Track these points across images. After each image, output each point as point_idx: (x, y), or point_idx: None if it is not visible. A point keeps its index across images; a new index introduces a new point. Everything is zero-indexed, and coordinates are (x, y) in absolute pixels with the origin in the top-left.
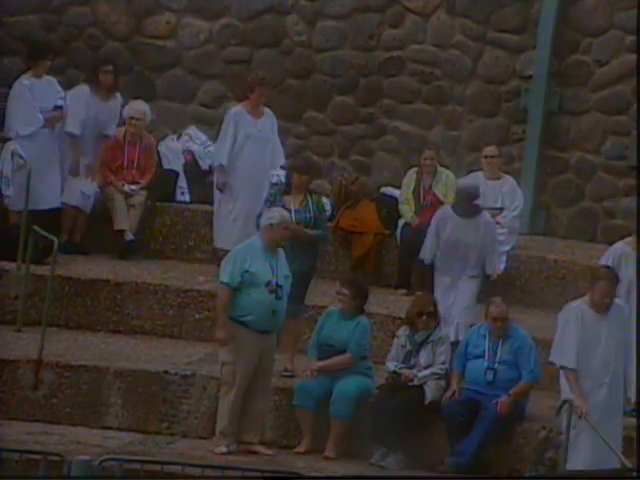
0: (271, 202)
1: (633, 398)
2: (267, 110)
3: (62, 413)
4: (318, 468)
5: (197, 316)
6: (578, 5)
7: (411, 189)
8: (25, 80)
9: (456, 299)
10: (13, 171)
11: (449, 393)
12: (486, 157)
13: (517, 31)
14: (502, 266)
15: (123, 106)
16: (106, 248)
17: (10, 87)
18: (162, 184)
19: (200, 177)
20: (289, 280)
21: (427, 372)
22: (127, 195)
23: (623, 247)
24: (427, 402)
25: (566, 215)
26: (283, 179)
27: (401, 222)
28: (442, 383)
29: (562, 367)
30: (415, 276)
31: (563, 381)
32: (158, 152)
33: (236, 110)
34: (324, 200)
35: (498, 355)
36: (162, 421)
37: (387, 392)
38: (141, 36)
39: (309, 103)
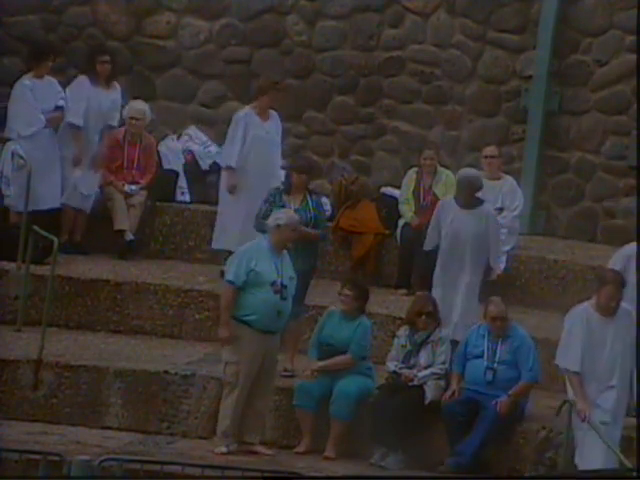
0: (270, 202)
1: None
2: (273, 112)
3: (62, 413)
4: (318, 468)
5: (197, 316)
6: (578, 5)
7: (411, 189)
8: (26, 81)
9: (457, 298)
10: (13, 171)
11: (449, 393)
12: (486, 157)
13: (517, 31)
14: (502, 266)
15: (123, 106)
16: (106, 248)
17: (10, 87)
18: (162, 184)
19: (200, 177)
20: (294, 282)
21: (427, 372)
22: (127, 195)
23: (631, 249)
24: (427, 402)
25: (566, 215)
26: (282, 179)
27: (401, 222)
28: (442, 383)
29: (566, 370)
30: (415, 276)
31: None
32: (158, 152)
33: (246, 112)
34: (324, 200)
35: (497, 355)
36: (162, 421)
37: (387, 392)
38: (141, 36)
39: (309, 103)
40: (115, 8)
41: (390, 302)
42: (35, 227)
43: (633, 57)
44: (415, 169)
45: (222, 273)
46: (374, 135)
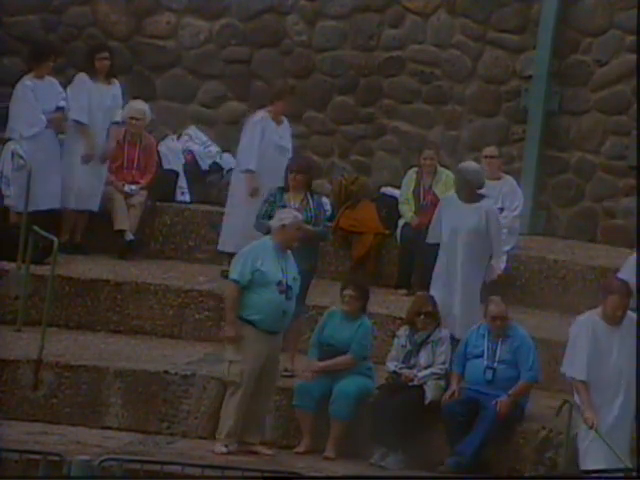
0: (270, 202)
1: None
2: (284, 117)
3: (62, 413)
4: (318, 468)
5: (197, 316)
6: (578, 5)
7: (411, 189)
8: (27, 81)
9: (455, 295)
10: (13, 171)
11: (449, 393)
12: (486, 157)
13: (517, 31)
14: (502, 266)
15: (123, 106)
16: (106, 248)
17: (10, 87)
18: (162, 184)
19: (200, 177)
20: (297, 282)
21: (427, 372)
22: (127, 195)
23: None
24: (427, 402)
25: (566, 215)
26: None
27: (401, 222)
28: (442, 383)
29: (573, 379)
30: (415, 276)
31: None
32: (158, 152)
33: (262, 115)
34: (324, 200)
35: (497, 354)
36: (162, 421)
37: (387, 392)
38: (141, 36)
39: (309, 103)
40: (115, 8)
41: (390, 302)
42: (35, 227)
43: (633, 57)
44: (415, 169)
45: (222, 273)
46: (374, 135)
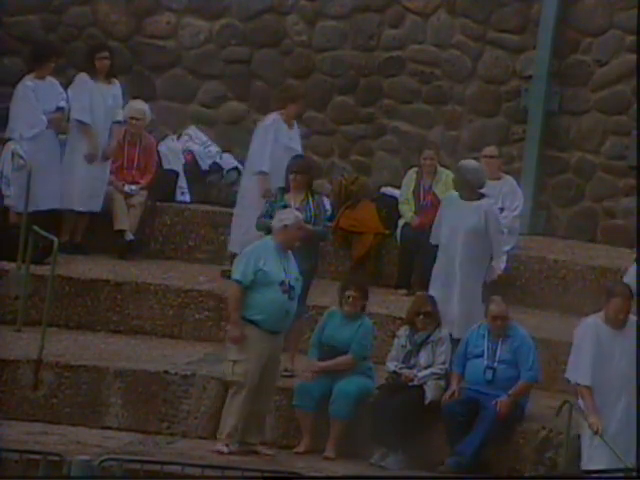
0: (271, 202)
1: None
2: (294, 121)
3: (62, 413)
4: (318, 468)
5: (197, 316)
6: (578, 5)
7: (411, 189)
8: (28, 81)
9: (453, 294)
10: (13, 171)
11: (449, 393)
12: (486, 157)
13: (517, 31)
14: (502, 266)
15: (123, 106)
16: (106, 248)
17: (10, 87)
18: (162, 184)
19: (200, 177)
20: (299, 282)
21: (427, 372)
22: (127, 195)
23: None
24: (427, 402)
25: (566, 215)
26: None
27: (401, 222)
28: (442, 383)
29: (577, 384)
30: (415, 276)
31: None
32: (158, 152)
33: (274, 118)
34: (324, 200)
35: (497, 354)
36: (162, 421)
37: (387, 392)
38: (141, 36)
39: (309, 103)
40: (115, 8)
41: (390, 302)
42: (35, 227)
43: (633, 57)
44: (415, 169)
45: (224, 273)
46: (374, 135)
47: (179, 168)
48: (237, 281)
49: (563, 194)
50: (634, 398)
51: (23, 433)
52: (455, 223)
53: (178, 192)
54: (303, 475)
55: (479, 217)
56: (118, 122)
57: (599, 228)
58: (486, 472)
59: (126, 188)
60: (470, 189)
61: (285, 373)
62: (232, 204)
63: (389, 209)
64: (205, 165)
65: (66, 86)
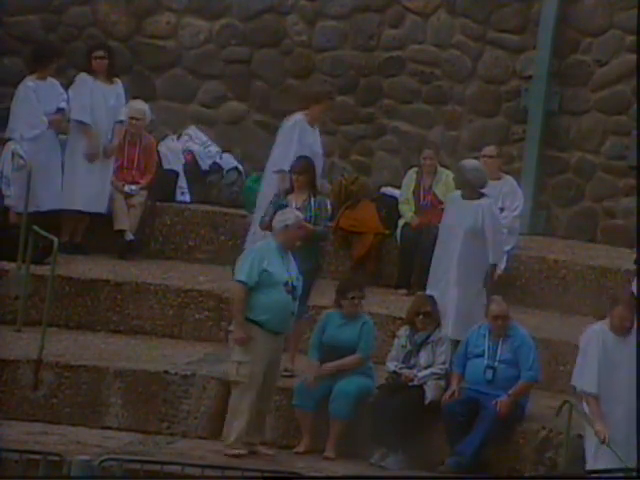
0: (274, 202)
1: None
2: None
3: (62, 413)
4: (318, 468)
5: (197, 316)
6: (578, 5)
7: (411, 189)
8: (30, 82)
9: (449, 294)
10: (13, 171)
11: (449, 393)
12: (485, 157)
13: (517, 31)
14: (502, 266)
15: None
16: (106, 248)
17: (10, 87)
18: (162, 184)
19: (200, 177)
20: (300, 282)
21: (427, 372)
22: (127, 195)
23: None
24: (427, 402)
25: (566, 215)
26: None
27: (401, 222)
28: (442, 383)
29: (583, 392)
30: (415, 276)
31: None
32: (158, 152)
33: (299, 117)
34: (327, 201)
35: (498, 354)
36: (162, 421)
37: (387, 392)
38: (141, 36)
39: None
40: (115, 8)
41: (390, 302)
42: (35, 227)
43: (633, 57)
44: (415, 169)
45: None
46: (374, 135)
47: (179, 168)
48: (242, 282)
49: (563, 194)
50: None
51: (23, 433)
52: (454, 222)
53: (178, 192)
54: (303, 475)
55: (478, 216)
56: (120, 122)
57: (599, 228)
58: (486, 472)
59: (126, 188)
60: (471, 188)
61: (285, 373)
62: (232, 204)
63: (389, 209)
64: (205, 165)
65: (67, 87)
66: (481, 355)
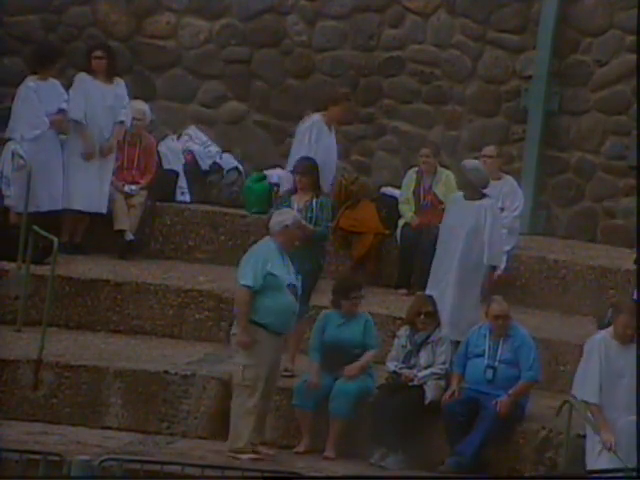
0: (278, 203)
1: None
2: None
3: (62, 413)
4: (318, 468)
5: (197, 316)
6: (578, 5)
7: (411, 189)
8: (31, 82)
9: (447, 294)
10: (13, 171)
11: (449, 393)
12: (484, 157)
13: (517, 31)
14: (502, 266)
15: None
16: (106, 248)
17: (10, 87)
18: (162, 184)
19: (200, 177)
20: (299, 281)
21: (427, 372)
22: (127, 195)
23: None
24: (427, 402)
25: (566, 215)
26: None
27: (401, 222)
28: (442, 383)
29: (585, 402)
30: (415, 276)
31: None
32: (158, 152)
33: (315, 119)
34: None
35: (498, 354)
36: (162, 421)
37: (387, 392)
38: (141, 36)
39: (309, 103)
40: (115, 8)
41: (390, 302)
42: (35, 227)
43: (633, 57)
44: (415, 169)
45: None
46: (374, 135)
47: (179, 168)
48: (247, 286)
49: (563, 194)
50: None
51: (23, 433)
52: (454, 222)
53: (178, 192)
54: (303, 475)
55: (481, 217)
56: (121, 122)
57: (599, 228)
58: (486, 472)
59: (126, 188)
60: (473, 189)
61: (285, 373)
62: (232, 204)
63: (389, 209)
64: (205, 165)
65: (67, 87)
66: (481, 355)
